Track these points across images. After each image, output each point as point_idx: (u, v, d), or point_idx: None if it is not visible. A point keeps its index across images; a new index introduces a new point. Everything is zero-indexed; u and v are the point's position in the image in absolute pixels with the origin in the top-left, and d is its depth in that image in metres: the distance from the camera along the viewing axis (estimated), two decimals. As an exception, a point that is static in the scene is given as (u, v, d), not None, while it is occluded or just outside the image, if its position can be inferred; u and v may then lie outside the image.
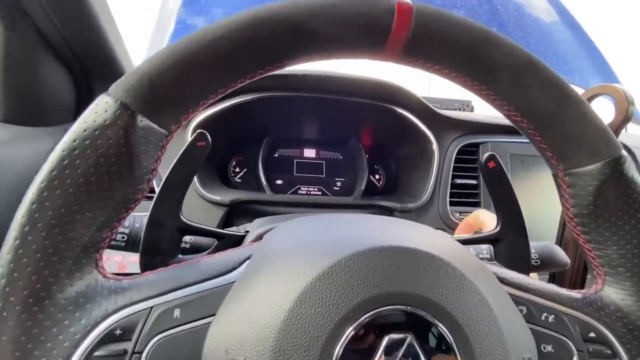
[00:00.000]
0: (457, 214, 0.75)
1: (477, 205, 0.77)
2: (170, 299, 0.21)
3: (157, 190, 0.36)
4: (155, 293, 0.21)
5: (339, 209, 0.76)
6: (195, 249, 0.43)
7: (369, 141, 0.86)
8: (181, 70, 0.21)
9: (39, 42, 0.57)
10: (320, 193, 0.85)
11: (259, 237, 0.39)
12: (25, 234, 0.19)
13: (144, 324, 0.21)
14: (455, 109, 0.97)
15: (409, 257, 0.21)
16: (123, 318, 0.20)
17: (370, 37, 0.23)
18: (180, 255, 0.38)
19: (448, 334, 0.20)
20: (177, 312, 0.21)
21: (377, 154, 0.88)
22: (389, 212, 0.75)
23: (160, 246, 0.36)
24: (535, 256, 0.46)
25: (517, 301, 0.24)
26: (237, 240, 0.43)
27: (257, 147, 0.79)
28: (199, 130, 0.37)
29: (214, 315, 0.21)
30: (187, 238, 0.43)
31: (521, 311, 0.24)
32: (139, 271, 0.30)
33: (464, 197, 0.77)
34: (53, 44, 0.58)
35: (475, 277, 0.21)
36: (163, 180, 0.36)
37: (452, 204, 0.75)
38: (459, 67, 0.24)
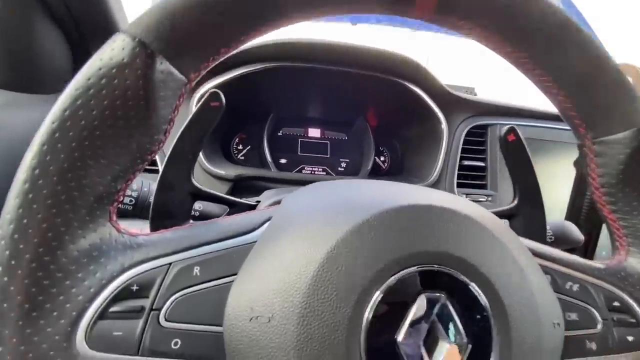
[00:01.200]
0: (464, 196, 0.74)
1: (483, 187, 0.77)
2: (189, 256, 0.21)
3: (167, 153, 0.34)
4: (173, 250, 0.20)
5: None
6: (205, 217, 0.41)
7: (376, 121, 0.84)
8: (205, 10, 0.19)
9: (34, 3, 0.53)
10: (324, 173, 0.84)
11: (276, 202, 0.37)
12: (36, 177, 0.17)
13: (163, 280, 0.20)
14: (458, 95, 0.96)
15: (440, 215, 0.20)
16: (140, 273, 0.19)
17: None
18: (191, 222, 0.37)
19: (482, 295, 0.19)
20: (196, 270, 0.20)
21: (383, 135, 0.86)
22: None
23: (172, 210, 0.35)
24: (549, 232, 0.46)
25: (542, 269, 0.24)
26: (249, 209, 0.41)
27: (261, 124, 0.77)
28: (212, 90, 0.35)
29: (235, 274, 0.20)
30: (196, 205, 0.41)
31: (546, 279, 0.24)
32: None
33: (471, 179, 0.76)
34: (49, 4, 0.54)
35: (507, 240, 0.21)
36: (175, 140, 0.34)
37: (459, 185, 0.74)
38: (493, 26, 0.23)
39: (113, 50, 0.19)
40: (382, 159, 0.88)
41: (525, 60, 0.24)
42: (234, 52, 0.23)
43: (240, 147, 0.81)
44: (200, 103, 0.35)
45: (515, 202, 0.43)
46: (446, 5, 0.22)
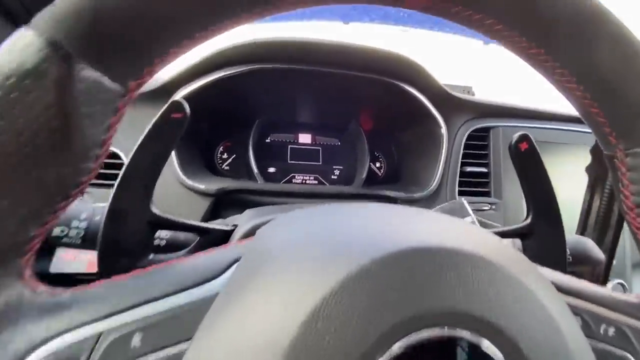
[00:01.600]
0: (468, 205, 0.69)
1: (487, 195, 0.71)
2: (128, 320, 0.16)
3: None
4: (107, 312, 0.16)
5: (337, 199, 0.69)
6: (173, 247, 0.36)
7: (370, 125, 0.79)
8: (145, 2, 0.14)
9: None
10: (316, 182, 0.78)
11: (251, 233, 0.32)
12: None
13: (89, 357, 0.15)
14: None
15: (457, 261, 0.16)
16: (58, 350, 0.15)
17: None
18: (152, 256, 0.31)
19: None
20: (136, 339, 0.16)
21: (378, 140, 0.81)
22: (392, 202, 0.69)
23: (125, 244, 0.29)
24: (567, 251, 0.40)
25: (572, 311, 0.20)
26: (224, 237, 0.36)
27: (247, 131, 0.71)
28: (173, 100, 0.29)
29: (189, 340, 0.16)
30: (162, 234, 0.36)
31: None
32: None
33: (473, 187, 0.71)
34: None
35: (534, 284, 0.17)
36: (127, 161, 0.28)
37: (460, 193, 0.69)
38: (506, 17, 0.19)
39: (11, 53, 0.13)
40: (377, 165, 0.83)
41: (544, 58, 0.20)
42: (192, 50, 0.18)
43: (225, 156, 0.75)
44: (159, 115, 0.29)
45: (530, 219, 0.38)
46: None
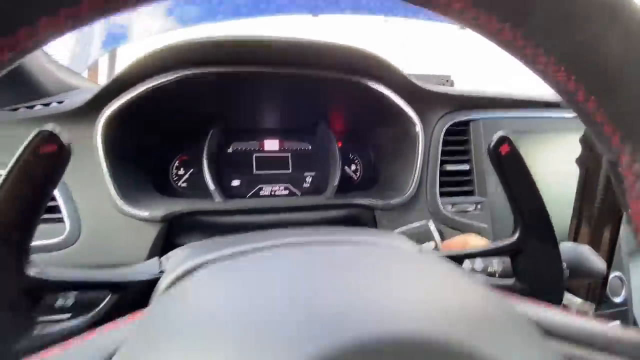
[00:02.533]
0: (449, 207, 0.63)
1: (470, 194, 0.66)
2: None
3: None
4: None
5: (309, 211, 0.62)
6: (83, 305, 0.28)
7: (341, 126, 0.72)
8: None
9: None
10: (287, 192, 0.71)
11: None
12: None
13: None
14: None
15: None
16: None
17: None
18: (37, 332, 0.24)
19: None
20: None
21: (351, 141, 0.74)
22: (369, 210, 0.62)
23: None
24: (563, 265, 0.35)
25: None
26: (146, 287, 0.29)
27: (202, 142, 0.63)
28: (40, 129, 0.22)
29: None
30: (68, 295, 0.28)
31: None
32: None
33: (455, 186, 0.65)
34: None
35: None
36: None
37: (442, 194, 0.63)
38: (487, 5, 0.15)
39: None
40: (353, 168, 0.77)
41: (522, 43, 0.16)
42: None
43: (182, 171, 0.67)
44: (21, 149, 0.22)
45: (517, 234, 0.32)
46: None
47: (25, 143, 0.22)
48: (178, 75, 0.48)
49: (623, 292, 0.68)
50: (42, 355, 0.16)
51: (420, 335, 0.11)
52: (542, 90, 0.71)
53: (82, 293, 0.29)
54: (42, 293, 0.24)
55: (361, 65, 0.54)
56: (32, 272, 0.23)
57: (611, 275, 0.67)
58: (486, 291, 0.15)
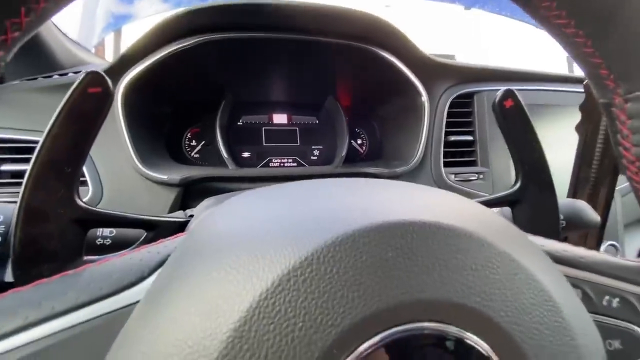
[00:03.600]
0: (452, 176, 0.65)
1: (473, 164, 0.68)
2: (10, 346, 0.13)
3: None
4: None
5: (317, 180, 0.64)
6: (120, 247, 0.31)
7: (349, 100, 0.74)
8: None
9: None
10: (295, 164, 0.74)
11: None
12: None
13: None
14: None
15: (425, 237, 0.13)
16: None
17: None
18: (86, 258, 0.26)
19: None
20: None
21: (358, 115, 0.76)
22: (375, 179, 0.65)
23: (48, 248, 0.24)
24: (560, 216, 0.37)
25: (571, 283, 0.18)
26: (176, 230, 0.31)
27: (215, 114, 0.65)
28: (90, 70, 0.24)
29: None
30: (106, 232, 0.31)
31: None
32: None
33: (459, 156, 0.68)
34: None
35: (525, 257, 0.14)
36: (37, 148, 0.23)
37: (446, 164, 0.66)
38: None
39: None
40: (359, 142, 0.79)
41: None
42: None
43: (194, 143, 0.70)
44: (71, 90, 0.24)
45: (518, 184, 0.34)
46: None
47: (75, 84, 0.24)
48: (193, 41, 0.50)
49: (617, 260, 0.71)
50: (102, 261, 0.18)
51: (429, 221, 0.13)
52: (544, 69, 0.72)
53: (119, 234, 0.32)
54: (89, 224, 0.26)
55: (373, 34, 0.55)
56: (80, 204, 0.25)
57: (605, 244, 0.70)
58: (487, 209, 0.18)
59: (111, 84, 0.25)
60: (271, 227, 0.14)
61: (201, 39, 0.50)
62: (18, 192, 0.50)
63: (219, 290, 0.12)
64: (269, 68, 0.64)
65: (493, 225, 0.15)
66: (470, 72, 0.68)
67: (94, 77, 0.24)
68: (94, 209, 0.26)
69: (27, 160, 0.49)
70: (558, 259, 0.20)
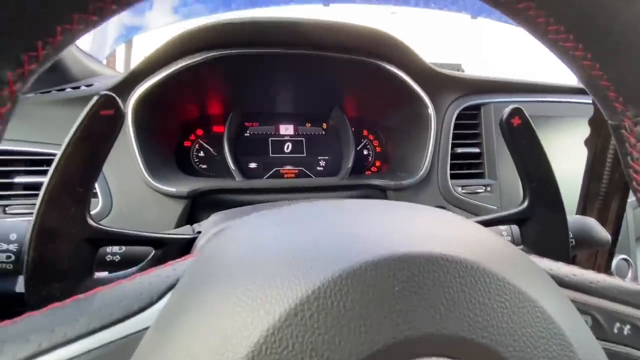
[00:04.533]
0: (459, 188, 0.65)
1: (481, 176, 0.68)
2: None
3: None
4: None
5: (323, 192, 0.65)
6: (129, 263, 0.32)
7: (354, 111, 0.74)
8: None
9: None
10: (302, 175, 0.74)
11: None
12: None
13: None
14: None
15: (439, 272, 0.13)
16: None
17: None
18: (96, 276, 0.27)
19: None
20: None
21: (364, 125, 0.76)
22: (381, 191, 0.65)
23: (60, 267, 0.25)
24: (569, 234, 0.37)
25: (580, 309, 0.18)
26: (186, 246, 0.32)
27: (223, 126, 0.66)
28: (102, 93, 0.25)
29: None
30: (115, 249, 0.31)
31: (585, 322, 0.18)
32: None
33: (466, 169, 0.67)
34: None
35: (537, 291, 0.14)
36: (51, 169, 0.24)
37: (453, 176, 0.65)
38: None
39: None
40: (365, 152, 0.79)
41: (534, 13, 0.18)
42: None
43: (202, 154, 0.70)
44: (84, 112, 0.24)
45: (526, 202, 0.34)
46: None
47: (88, 106, 0.24)
48: (202, 57, 0.51)
49: (629, 274, 0.70)
50: (113, 284, 0.19)
51: (437, 253, 0.13)
52: (549, 79, 0.72)
53: (128, 250, 0.32)
54: (99, 243, 0.27)
55: (378, 48, 0.56)
56: (92, 223, 0.26)
57: (618, 257, 0.69)
58: (495, 234, 0.18)
59: (122, 106, 0.25)
60: (279, 259, 0.14)
61: (210, 55, 0.51)
62: (30, 204, 0.51)
63: (227, 323, 0.12)
64: (275, 81, 0.65)
65: (500, 254, 0.15)
66: (476, 84, 0.68)
67: (106, 100, 0.24)
68: (105, 227, 0.27)
69: (39, 173, 0.50)
70: (567, 284, 0.20)
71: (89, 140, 0.25)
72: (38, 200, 0.24)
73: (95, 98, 0.24)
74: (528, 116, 0.32)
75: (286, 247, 0.15)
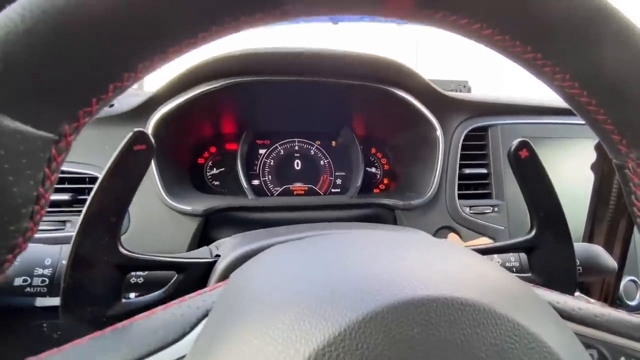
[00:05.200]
0: (467, 209, 0.66)
1: (488, 197, 0.68)
2: None
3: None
4: None
5: (333, 210, 0.66)
6: (151, 285, 0.33)
7: (363, 130, 0.76)
8: (69, 34, 0.13)
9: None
10: (311, 192, 0.76)
11: (233, 267, 0.30)
12: None
13: None
14: (451, 91, 0.88)
15: (455, 315, 0.14)
16: None
17: None
18: (124, 300, 0.28)
19: None
20: None
21: (372, 144, 0.78)
22: (390, 210, 0.66)
23: (92, 292, 0.26)
24: (576, 262, 0.38)
25: (586, 343, 0.19)
26: (205, 271, 0.33)
27: (236, 144, 0.68)
28: (136, 130, 0.27)
29: None
30: (138, 271, 0.33)
31: (591, 356, 0.19)
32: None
33: (474, 189, 0.68)
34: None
35: (545, 330, 0.15)
36: (88, 202, 0.26)
37: (460, 197, 0.66)
38: (495, 21, 0.17)
39: None
40: (374, 170, 0.80)
41: (542, 62, 0.18)
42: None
43: (215, 170, 0.72)
44: (119, 149, 0.26)
45: (534, 231, 0.35)
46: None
47: (123, 142, 0.26)
48: (220, 84, 0.53)
49: (638, 296, 0.70)
50: (147, 314, 0.20)
51: (450, 297, 0.14)
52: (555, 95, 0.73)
53: (151, 273, 0.34)
54: (128, 269, 0.28)
55: (385, 73, 0.58)
56: (123, 250, 0.28)
57: (625, 279, 0.69)
58: (505, 271, 0.19)
59: (153, 141, 0.27)
60: (306, 299, 0.15)
61: (228, 82, 0.54)
62: (53, 221, 0.53)
63: (262, 353, 0.13)
64: (287, 103, 0.68)
65: (511, 294, 0.17)
66: (483, 106, 0.69)
67: (138, 136, 0.26)
68: (133, 254, 0.28)
69: (65, 191, 0.52)
70: (573, 318, 0.21)
71: (122, 173, 0.26)
72: (75, 230, 0.26)
73: (129, 135, 0.26)
74: (534, 149, 0.33)
75: (312, 287, 0.16)
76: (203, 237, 0.59)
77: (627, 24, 0.17)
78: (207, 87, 0.54)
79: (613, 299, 0.55)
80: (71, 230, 0.49)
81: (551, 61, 0.18)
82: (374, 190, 0.77)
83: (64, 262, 0.30)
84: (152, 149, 0.27)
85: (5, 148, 0.12)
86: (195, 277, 0.33)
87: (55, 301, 0.28)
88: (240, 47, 0.52)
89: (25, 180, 0.13)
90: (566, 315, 0.21)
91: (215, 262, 0.34)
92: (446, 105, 0.66)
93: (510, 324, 0.15)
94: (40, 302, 0.38)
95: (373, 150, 0.79)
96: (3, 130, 0.12)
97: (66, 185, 0.52)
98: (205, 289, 0.23)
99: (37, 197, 0.14)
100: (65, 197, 0.51)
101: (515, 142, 0.33)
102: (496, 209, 0.67)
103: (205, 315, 0.18)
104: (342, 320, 0.14)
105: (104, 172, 0.26)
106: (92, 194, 0.26)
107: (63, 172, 0.53)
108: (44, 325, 0.41)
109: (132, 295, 0.34)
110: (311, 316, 0.14)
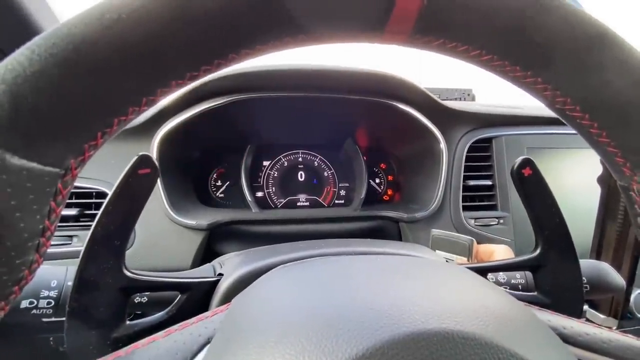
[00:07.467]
0: (472, 221, 0.65)
1: (493, 208, 0.68)
2: None
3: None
4: None
5: (338, 222, 0.66)
6: (155, 304, 0.33)
7: (367, 142, 0.76)
8: (76, 74, 0.13)
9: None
10: (314, 204, 0.76)
11: (236, 288, 0.30)
12: None
13: None
14: (455, 99, 0.88)
15: (456, 349, 0.14)
16: None
17: (366, 14, 0.15)
18: (128, 322, 0.29)
19: None
20: None
21: (376, 156, 0.78)
22: (394, 223, 0.66)
23: (97, 315, 0.27)
24: (583, 280, 0.37)
25: None
26: (209, 289, 0.33)
27: (240, 156, 0.69)
28: (140, 154, 0.27)
29: None
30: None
31: None
32: None
33: (478, 201, 0.68)
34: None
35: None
36: (93, 226, 0.26)
37: (465, 209, 0.66)
38: (494, 47, 0.17)
39: None
40: (377, 181, 0.80)
41: (542, 86, 0.19)
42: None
43: (219, 183, 0.73)
44: (124, 173, 0.27)
45: (539, 250, 0.35)
46: (426, 26, 0.16)
47: (128, 166, 0.27)
48: (225, 100, 0.54)
49: (649, 309, 0.68)
50: (149, 340, 0.20)
51: (452, 330, 0.14)
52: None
53: (154, 293, 0.34)
54: (132, 291, 0.29)
55: (387, 89, 0.58)
56: (127, 273, 0.28)
57: (636, 292, 0.67)
58: (507, 297, 0.19)
59: (157, 164, 0.28)
60: (306, 333, 0.15)
61: (232, 98, 0.54)
62: (63, 236, 0.53)
63: None
64: (291, 117, 0.68)
65: (513, 324, 0.16)
66: (487, 118, 0.69)
67: (143, 160, 0.27)
68: (137, 276, 0.29)
69: (72, 206, 0.53)
70: (580, 344, 0.20)
71: (127, 197, 0.27)
72: (80, 254, 0.26)
73: (133, 159, 0.27)
74: (538, 167, 0.33)
75: (312, 320, 0.16)
76: (208, 250, 0.59)
77: (627, 49, 0.17)
78: (213, 104, 0.54)
79: (623, 312, 0.54)
80: (78, 245, 0.49)
81: (551, 85, 0.18)
82: (377, 203, 0.77)
83: (70, 283, 0.31)
84: (156, 172, 0.27)
85: (13, 185, 0.13)
86: (198, 297, 0.33)
87: (62, 315, 0.28)
88: (244, 64, 0.53)
89: (32, 215, 0.14)
90: (573, 341, 0.20)
91: (218, 281, 0.34)
92: (449, 117, 0.66)
93: (512, 358, 0.15)
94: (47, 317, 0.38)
95: (376, 160, 0.79)
96: (10, 168, 0.13)
97: (73, 200, 0.53)
98: (207, 313, 0.23)
99: (43, 230, 0.14)
100: (72, 212, 0.52)
101: (518, 160, 0.33)
102: (502, 220, 0.66)
103: (206, 343, 0.18)
104: (342, 356, 0.14)
105: (108, 197, 0.26)
106: (96, 218, 0.26)
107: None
108: (50, 339, 0.42)
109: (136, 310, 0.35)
110: (312, 351, 0.14)
